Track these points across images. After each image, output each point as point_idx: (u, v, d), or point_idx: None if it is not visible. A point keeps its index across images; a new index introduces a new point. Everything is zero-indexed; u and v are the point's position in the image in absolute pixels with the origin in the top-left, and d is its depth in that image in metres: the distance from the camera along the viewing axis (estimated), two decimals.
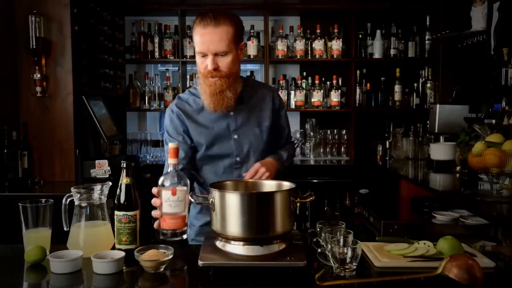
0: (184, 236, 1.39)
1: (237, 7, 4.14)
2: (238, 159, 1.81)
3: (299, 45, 4.18)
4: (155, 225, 1.38)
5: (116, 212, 1.41)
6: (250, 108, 1.83)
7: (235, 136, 1.80)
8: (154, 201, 1.37)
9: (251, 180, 1.61)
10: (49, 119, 2.93)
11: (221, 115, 1.78)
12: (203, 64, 1.69)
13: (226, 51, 1.66)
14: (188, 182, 1.39)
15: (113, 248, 1.42)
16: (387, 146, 4.13)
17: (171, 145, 1.38)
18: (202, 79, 1.72)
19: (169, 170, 1.38)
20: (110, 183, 1.47)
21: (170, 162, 1.38)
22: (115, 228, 1.41)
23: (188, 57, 4.20)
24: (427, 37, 4.17)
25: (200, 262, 1.24)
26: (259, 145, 1.83)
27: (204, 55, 1.69)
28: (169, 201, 1.35)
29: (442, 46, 3.99)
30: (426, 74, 4.23)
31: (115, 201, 1.42)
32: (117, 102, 3.98)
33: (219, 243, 1.33)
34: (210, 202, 1.33)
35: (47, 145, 2.93)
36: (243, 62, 4.32)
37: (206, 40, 1.66)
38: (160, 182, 1.38)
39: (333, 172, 3.93)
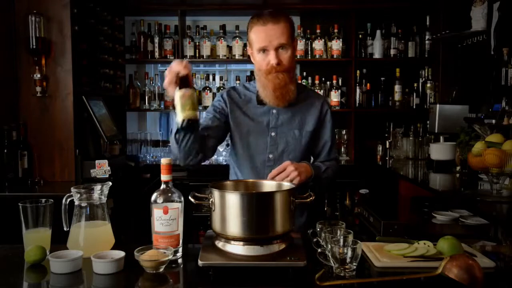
0: (178, 255, 1.38)
1: (237, 7, 4.15)
2: (270, 156, 1.83)
3: (299, 45, 4.17)
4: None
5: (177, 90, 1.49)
6: (295, 110, 1.85)
7: (272, 133, 1.83)
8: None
9: (251, 180, 1.60)
10: (49, 119, 2.93)
11: (265, 111, 1.84)
12: (265, 61, 1.74)
13: (287, 44, 1.72)
14: (183, 198, 1.39)
15: (113, 247, 1.42)
16: (387, 146, 4.13)
17: (163, 161, 1.38)
18: (264, 75, 1.77)
19: (162, 187, 1.38)
20: (110, 183, 1.47)
21: (163, 178, 1.38)
22: (179, 103, 1.47)
23: (188, 57, 4.20)
24: (427, 37, 4.17)
25: (200, 262, 1.24)
26: (295, 148, 1.84)
27: (265, 51, 1.73)
28: (161, 219, 1.35)
29: (442, 46, 3.99)
30: (426, 74, 4.23)
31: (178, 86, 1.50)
32: (117, 102, 3.98)
33: (219, 243, 1.33)
34: (210, 202, 1.33)
35: (47, 145, 2.93)
36: (243, 62, 4.33)
37: (268, 35, 1.71)
38: (152, 198, 1.37)
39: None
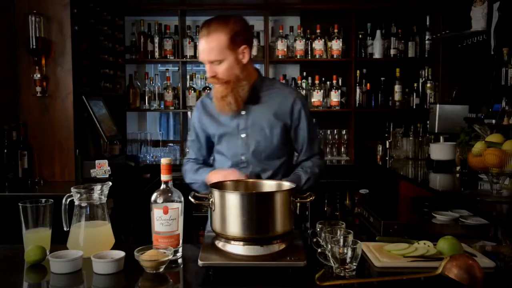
0: (179, 255, 1.39)
1: (237, 7, 4.15)
2: (243, 157, 1.83)
3: (299, 45, 4.18)
4: None
5: None
6: (264, 109, 1.84)
7: (243, 135, 1.83)
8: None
9: (251, 180, 1.61)
10: (49, 119, 2.93)
11: (234, 114, 1.83)
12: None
13: (218, 59, 1.71)
14: (183, 199, 1.39)
15: (113, 248, 1.42)
16: (387, 146, 4.13)
17: (163, 161, 1.39)
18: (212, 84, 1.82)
19: (162, 187, 1.39)
20: (110, 183, 1.47)
21: (163, 178, 1.39)
22: None
23: (188, 57, 4.20)
24: (427, 37, 4.17)
25: (200, 262, 1.24)
26: (267, 147, 1.83)
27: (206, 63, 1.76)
28: (161, 219, 1.35)
29: (442, 46, 3.99)
30: (426, 74, 4.22)
31: None
32: (117, 102, 3.98)
33: (219, 243, 1.33)
34: (210, 202, 1.33)
35: (47, 145, 2.93)
36: None
37: (201, 50, 1.74)
38: (152, 198, 1.37)
39: (333, 172, 3.93)
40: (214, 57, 1.70)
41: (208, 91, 4.22)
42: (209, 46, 1.69)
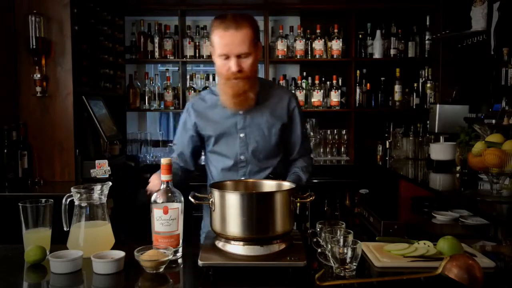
0: (179, 255, 1.39)
1: (237, 7, 4.14)
2: (242, 157, 1.83)
3: (299, 45, 4.18)
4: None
5: None
6: (262, 109, 1.85)
7: (241, 135, 1.83)
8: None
9: (251, 180, 1.61)
10: (49, 119, 2.93)
11: (232, 113, 1.83)
12: (225, 66, 1.72)
13: (248, 52, 1.70)
14: (182, 199, 1.40)
15: (113, 248, 1.42)
16: (387, 146, 4.12)
17: (163, 161, 1.39)
18: (224, 80, 1.76)
19: (162, 187, 1.39)
20: (110, 183, 1.47)
21: (163, 178, 1.39)
22: None
23: (188, 57, 4.20)
24: (427, 37, 4.17)
25: (200, 262, 1.24)
26: (265, 147, 1.84)
27: (226, 58, 1.72)
28: (161, 219, 1.35)
29: (442, 46, 3.99)
30: (426, 74, 4.22)
31: None
32: (117, 102, 3.98)
33: (219, 243, 1.33)
34: (210, 202, 1.33)
35: (47, 145, 2.93)
36: None
37: (228, 43, 1.69)
38: (152, 199, 1.37)
39: (333, 172, 3.93)
40: (245, 50, 1.69)
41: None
42: (240, 39, 1.68)
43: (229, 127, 1.84)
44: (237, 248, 1.29)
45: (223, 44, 1.69)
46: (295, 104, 1.91)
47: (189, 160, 1.95)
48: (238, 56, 1.70)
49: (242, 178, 1.81)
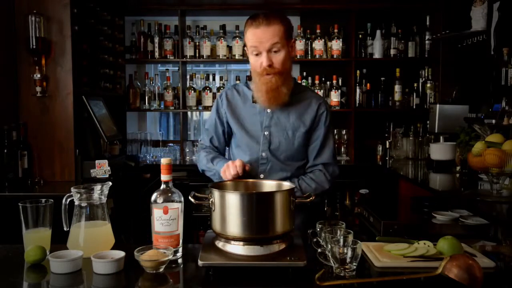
0: (179, 255, 1.39)
1: (237, 7, 4.15)
2: (263, 154, 1.85)
3: (299, 45, 4.18)
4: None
5: None
6: (290, 111, 1.86)
7: (266, 132, 1.86)
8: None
9: (251, 180, 1.61)
10: (49, 119, 2.93)
11: (260, 110, 1.87)
12: (258, 62, 1.76)
13: (278, 47, 1.74)
14: (182, 199, 1.40)
15: (113, 248, 1.42)
16: (387, 146, 4.13)
17: (163, 161, 1.39)
18: (258, 77, 1.80)
19: (162, 187, 1.39)
20: (110, 183, 1.47)
21: (163, 178, 1.39)
22: None
23: (188, 57, 4.20)
24: (427, 37, 4.17)
25: (200, 262, 1.24)
26: (287, 148, 1.85)
27: (258, 54, 1.76)
28: (161, 219, 1.35)
29: (442, 46, 3.99)
30: (426, 74, 4.22)
31: None
32: (117, 102, 3.98)
33: (219, 243, 1.33)
34: (210, 202, 1.33)
35: (47, 145, 2.93)
36: (243, 62, 4.33)
37: (259, 38, 1.73)
38: (152, 198, 1.38)
39: None
40: (277, 41, 1.72)
41: (208, 91, 4.22)
42: (270, 34, 1.71)
43: (255, 123, 1.87)
44: (237, 248, 1.29)
45: (254, 40, 1.74)
46: (324, 110, 1.90)
47: (220, 144, 1.99)
48: (269, 51, 1.73)
49: (261, 176, 1.84)
